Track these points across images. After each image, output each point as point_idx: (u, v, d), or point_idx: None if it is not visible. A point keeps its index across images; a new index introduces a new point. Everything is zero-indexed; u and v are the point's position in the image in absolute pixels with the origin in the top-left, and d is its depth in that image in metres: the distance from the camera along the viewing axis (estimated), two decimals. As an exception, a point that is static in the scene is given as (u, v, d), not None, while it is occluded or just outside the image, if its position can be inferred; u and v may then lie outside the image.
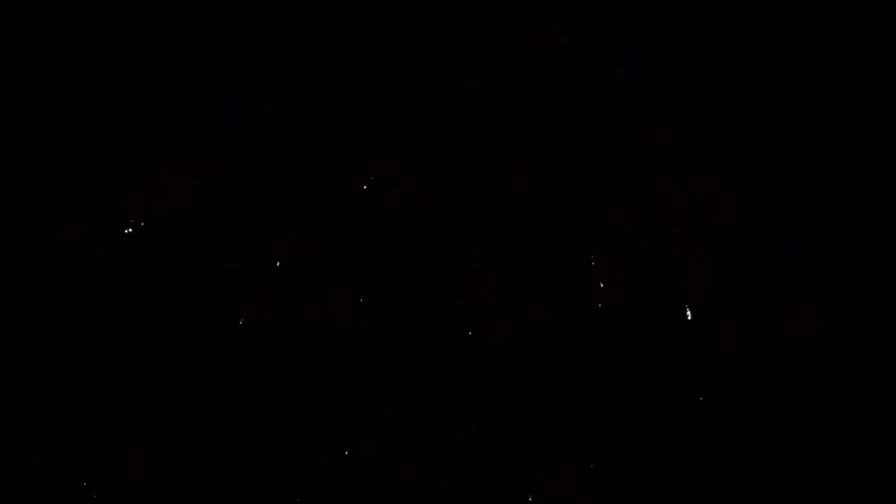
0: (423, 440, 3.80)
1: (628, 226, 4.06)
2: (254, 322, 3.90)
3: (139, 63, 4.25)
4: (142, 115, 4.18)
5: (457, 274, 3.99)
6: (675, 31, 4.34)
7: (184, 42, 4.28)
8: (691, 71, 4.29)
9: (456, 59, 4.27)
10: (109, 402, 3.80)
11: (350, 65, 4.27)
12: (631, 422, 3.84)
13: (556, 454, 3.80)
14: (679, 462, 3.82)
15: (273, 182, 4.09)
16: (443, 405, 3.84)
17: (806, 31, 4.34)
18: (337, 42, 4.29)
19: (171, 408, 3.80)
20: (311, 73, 4.25)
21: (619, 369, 3.90)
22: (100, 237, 3.99)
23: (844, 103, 4.26)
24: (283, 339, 3.89)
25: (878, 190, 4.16)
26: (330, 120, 4.19)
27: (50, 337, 3.87)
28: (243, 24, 4.31)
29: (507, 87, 4.25)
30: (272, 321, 3.90)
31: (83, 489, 3.71)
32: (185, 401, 3.81)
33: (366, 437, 3.79)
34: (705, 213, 4.09)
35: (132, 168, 4.09)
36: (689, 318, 3.96)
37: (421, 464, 3.77)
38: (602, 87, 4.25)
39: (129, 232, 4.00)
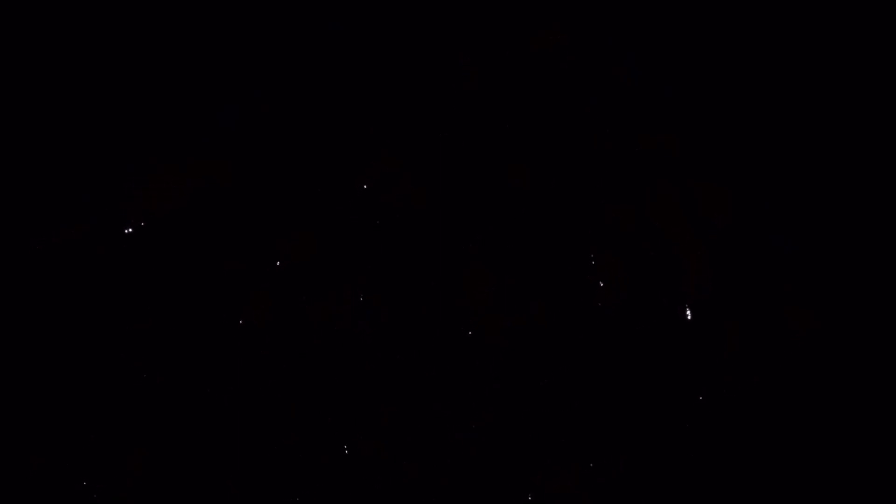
0: (423, 440, 3.80)
1: (628, 226, 4.06)
2: (254, 322, 3.90)
3: (139, 63, 4.25)
4: (142, 115, 4.18)
5: (457, 274, 3.98)
6: (675, 31, 4.34)
7: (184, 42, 4.28)
8: (691, 71, 4.29)
9: (456, 59, 4.27)
10: (109, 402, 3.80)
11: (350, 65, 4.27)
12: (631, 422, 3.84)
13: (556, 454, 3.80)
14: (679, 462, 3.82)
15: (273, 182, 4.09)
16: (443, 405, 3.84)
17: (806, 31, 4.34)
18: (337, 42, 4.29)
19: (171, 408, 3.80)
20: (311, 73, 4.25)
21: (619, 369, 3.90)
22: (100, 237, 3.99)
23: (844, 103, 4.26)
24: (283, 339, 3.89)
25: (878, 190, 4.16)
26: (330, 120, 4.19)
27: (50, 337, 3.87)
28: (243, 24, 4.31)
29: (507, 87, 4.24)
30: (272, 321, 3.90)
31: (83, 489, 3.71)
32: (185, 401, 3.81)
33: (366, 437, 3.79)
34: (705, 213, 4.09)
35: (132, 168, 4.09)
36: (689, 318, 3.96)
37: (421, 464, 3.77)
38: (602, 87, 4.24)
39: (129, 232, 4.00)
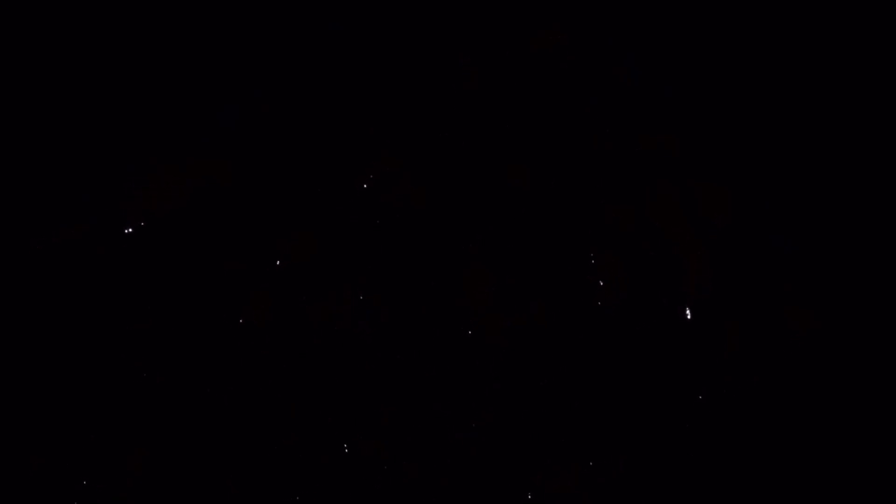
0: (423, 440, 3.80)
1: (628, 226, 4.06)
2: (254, 322, 3.90)
3: (139, 63, 4.25)
4: (142, 115, 4.18)
5: (457, 274, 3.98)
6: (675, 31, 4.34)
7: (184, 42, 4.28)
8: (691, 71, 4.29)
9: (456, 59, 4.27)
10: (109, 402, 3.80)
11: (350, 65, 4.27)
12: (631, 422, 3.84)
13: (556, 454, 3.80)
14: (679, 462, 3.82)
15: (273, 182, 4.09)
16: (443, 405, 3.84)
17: (806, 31, 4.34)
18: (337, 42, 4.29)
19: (171, 408, 3.80)
20: (311, 73, 4.25)
21: (619, 369, 3.90)
22: (100, 237, 3.99)
23: (844, 103, 4.26)
24: (283, 339, 3.89)
25: (878, 190, 4.16)
26: (330, 120, 4.19)
27: (50, 337, 3.87)
28: (243, 24, 4.31)
29: (507, 87, 4.24)
30: (272, 321, 3.90)
31: (83, 489, 3.71)
32: (185, 401, 3.81)
33: (366, 437, 3.79)
34: (705, 213, 4.09)
35: (132, 168, 4.09)
36: (689, 318, 3.96)
37: (421, 464, 3.77)
38: (602, 87, 4.24)
39: (129, 232, 4.00)
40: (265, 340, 3.88)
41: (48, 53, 4.24)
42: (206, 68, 4.25)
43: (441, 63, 4.27)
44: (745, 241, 4.07)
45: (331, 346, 3.89)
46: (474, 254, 4.01)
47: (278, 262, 3.97)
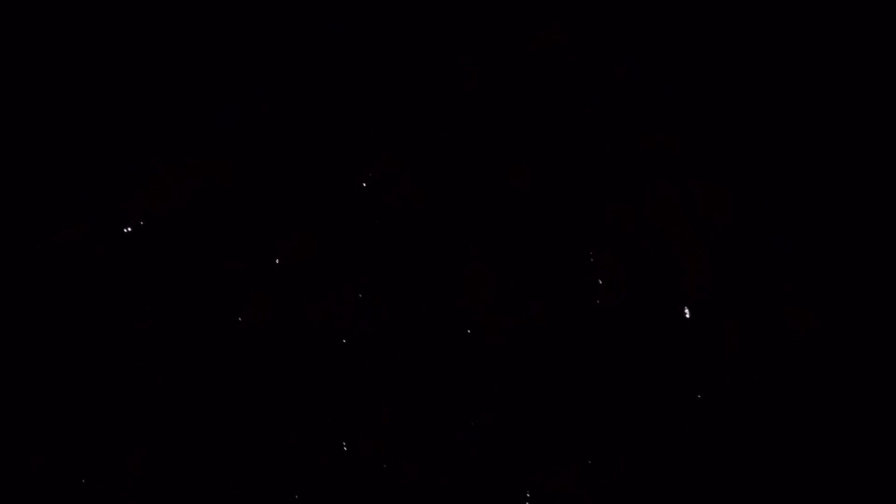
0: (423, 440, 3.80)
1: (628, 226, 4.06)
2: (254, 322, 3.90)
3: (139, 63, 4.25)
4: (142, 115, 4.18)
5: (457, 274, 3.98)
6: (675, 31, 4.34)
7: (184, 42, 4.28)
8: (691, 71, 4.29)
9: (456, 59, 4.27)
10: (109, 402, 3.80)
11: (350, 65, 4.27)
12: (631, 422, 3.84)
13: (556, 454, 3.80)
14: (679, 462, 3.82)
15: (273, 182, 4.09)
16: (443, 405, 3.84)
17: (806, 31, 4.34)
18: (337, 42, 4.29)
19: (171, 408, 3.80)
20: (311, 73, 4.25)
21: (619, 369, 3.90)
22: (100, 237, 3.99)
23: (844, 103, 4.26)
24: (283, 339, 3.89)
25: (878, 190, 4.16)
26: (330, 120, 4.19)
27: (50, 337, 3.87)
28: (243, 24, 4.31)
29: (507, 87, 4.25)
30: (272, 321, 3.90)
31: (83, 489, 3.71)
32: (185, 401, 3.81)
33: (366, 437, 3.79)
34: (705, 213, 4.09)
35: (132, 168, 4.09)
36: (689, 318, 3.96)
37: (421, 464, 3.77)
38: (602, 87, 4.24)
39: (129, 232, 4.00)
40: (265, 340, 3.88)
41: (48, 53, 4.24)
42: (206, 68, 4.25)
43: (441, 63, 4.27)
44: (745, 241, 4.07)
45: (331, 346, 3.89)
46: (474, 254, 4.01)
47: (278, 262, 3.98)
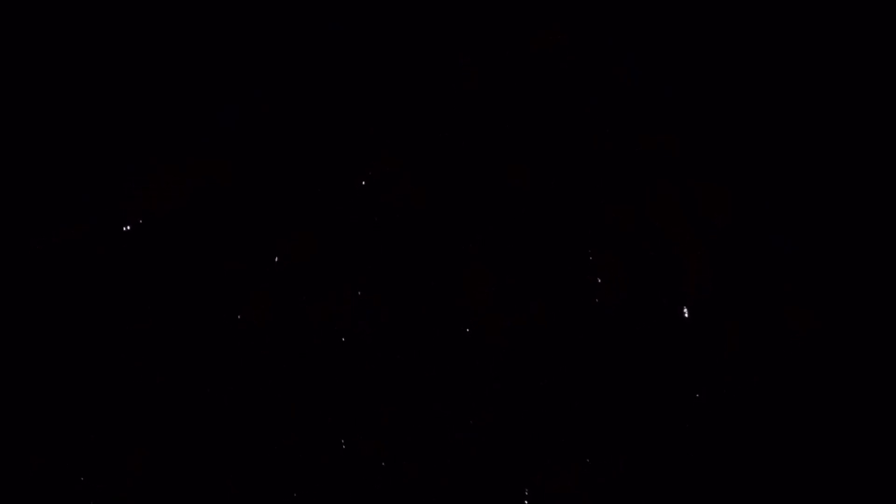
0: (423, 440, 3.80)
1: (628, 226, 4.06)
2: (254, 322, 3.90)
3: (139, 63, 4.25)
4: (142, 115, 4.18)
5: (457, 274, 3.98)
6: (675, 31, 4.34)
7: (184, 42, 4.28)
8: (691, 71, 4.29)
9: (456, 59, 4.27)
10: (109, 402, 3.80)
11: (350, 65, 4.27)
12: (631, 422, 3.84)
13: (556, 454, 3.80)
14: (679, 462, 3.82)
15: (273, 182, 4.09)
16: (443, 405, 3.84)
17: (806, 31, 4.34)
18: (337, 42, 4.29)
19: (171, 408, 3.80)
20: (311, 73, 4.25)
21: (619, 369, 3.90)
22: (100, 237, 3.99)
23: (844, 103, 4.26)
24: (283, 339, 3.89)
25: (878, 190, 4.16)
26: (330, 120, 4.19)
27: (50, 337, 3.87)
28: (243, 24, 4.31)
29: (507, 87, 4.25)
30: (272, 321, 3.90)
31: (83, 489, 3.71)
32: (185, 401, 3.81)
33: (366, 437, 3.79)
34: (705, 213, 4.09)
35: (132, 168, 4.09)
36: (689, 318, 3.96)
37: (421, 464, 3.77)
38: (602, 87, 4.24)
39: (129, 232, 4.00)
40: (265, 340, 3.88)
41: (48, 53, 4.24)
42: (206, 68, 4.25)
43: (441, 63, 4.27)
44: (745, 241, 4.07)
45: (331, 346, 3.89)
46: (474, 254, 4.01)
47: (278, 262, 3.98)
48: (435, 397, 3.85)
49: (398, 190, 4.09)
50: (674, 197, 4.10)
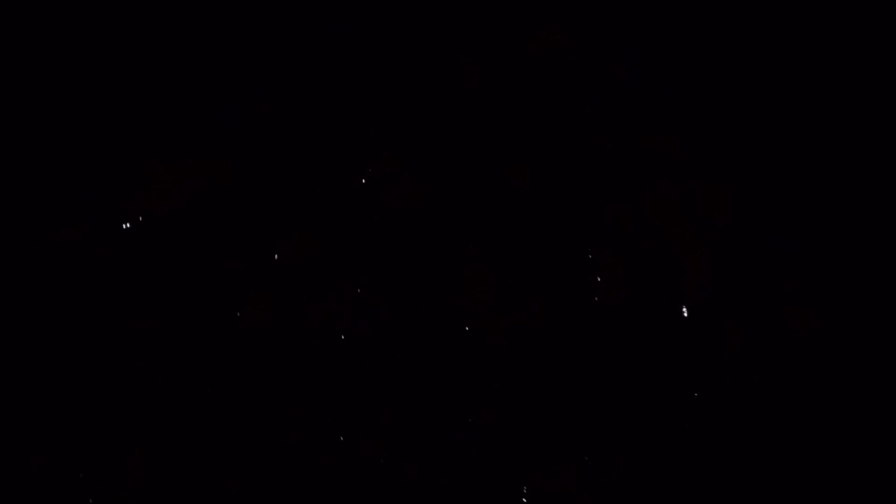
0: (423, 440, 3.80)
1: (628, 226, 4.06)
2: (254, 322, 3.90)
3: (139, 63, 4.25)
4: (142, 115, 4.18)
5: (457, 274, 3.98)
6: (675, 31, 4.34)
7: (184, 42, 4.28)
8: (691, 71, 4.29)
9: (456, 59, 4.27)
10: (109, 402, 3.80)
11: (350, 65, 4.27)
12: (631, 422, 3.84)
13: (556, 454, 3.80)
14: (679, 462, 3.82)
15: (273, 182, 4.09)
16: (443, 405, 3.84)
17: (806, 31, 4.34)
18: (337, 42, 4.29)
19: (171, 408, 3.80)
20: (310, 73, 4.25)
21: (618, 369, 3.90)
22: (100, 237, 3.99)
23: (844, 103, 4.26)
24: (283, 339, 3.89)
25: (878, 190, 4.16)
26: (330, 120, 4.19)
27: (50, 337, 3.87)
28: (243, 24, 4.31)
29: (507, 87, 4.24)
30: (272, 321, 3.90)
31: (83, 489, 3.71)
32: (185, 401, 3.81)
33: (366, 437, 3.79)
34: (705, 213, 4.09)
35: (132, 168, 4.09)
36: (689, 318, 3.96)
37: (421, 464, 3.77)
38: (602, 87, 4.24)
39: (129, 232, 4.00)
40: (265, 340, 3.88)
41: (48, 53, 4.24)
42: (206, 68, 4.25)
43: (441, 63, 4.27)
44: (745, 241, 4.07)
45: (331, 346, 3.89)
46: (474, 254, 4.01)
47: (278, 262, 3.97)
48: (435, 397, 3.85)
49: (398, 190, 4.09)
50: (674, 197, 4.10)
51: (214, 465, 3.75)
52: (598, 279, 3.99)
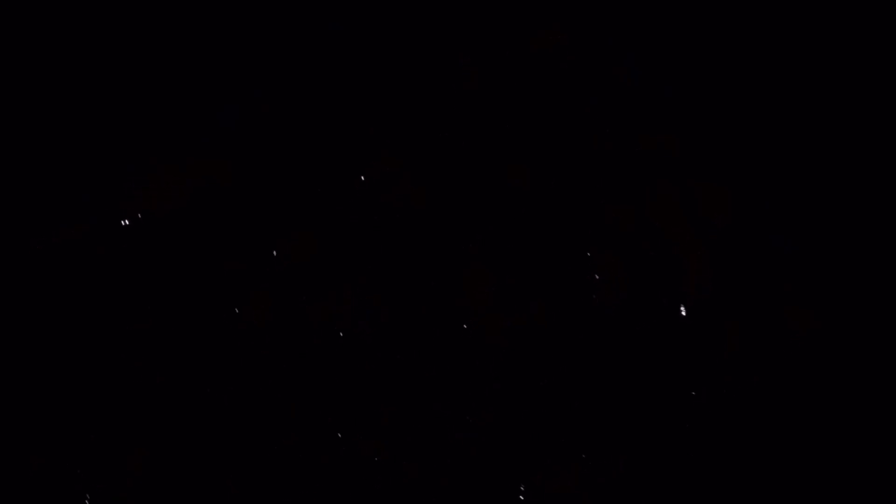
0: (423, 440, 3.80)
1: (628, 226, 4.06)
2: (254, 322, 3.90)
3: (139, 63, 4.25)
4: (142, 115, 4.18)
5: (457, 274, 3.98)
6: (675, 31, 4.34)
7: (184, 42, 4.28)
8: (691, 71, 4.29)
9: (456, 59, 4.27)
10: (109, 402, 3.80)
11: (350, 65, 4.27)
12: (631, 422, 3.84)
13: (556, 454, 3.80)
14: (679, 462, 3.82)
15: (273, 182, 4.09)
16: (443, 405, 3.84)
17: (806, 31, 4.34)
18: (337, 42, 4.29)
19: (171, 408, 3.80)
20: (310, 73, 4.25)
21: (618, 369, 3.90)
22: (100, 237, 3.99)
23: (844, 103, 4.26)
24: (283, 339, 3.89)
25: (878, 190, 4.16)
26: (330, 120, 4.19)
27: (50, 337, 3.87)
28: (243, 24, 4.31)
29: (507, 87, 4.25)
30: (272, 321, 3.90)
31: (83, 489, 3.71)
32: (185, 401, 3.81)
33: (366, 437, 3.79)
34: (705, 213, 4.09)
35: (132, 168, 4.09)
36: (689, 318, 3.96)
37: (421, 464, 3.77)
38: (602, 87, 4.24)
39: (129, 232, 4.00)
40: (265, 340, 3.88)
41: (48, 53, 4.24)
42: (206, 68, 4.25)
43: (441, 63, 4.27)
44: (745, 241, 4.07)
45: (331, 346, 3.89)
46: (474, 254, 4.01)
47: (278, 262, 3.97)
48: (435, 397, 3.85)
49: (398, 190, 4.09)
50: (674, 197, 4.10)
51: (214, 465, 3.75)
52: (598, 279, 3.99)
